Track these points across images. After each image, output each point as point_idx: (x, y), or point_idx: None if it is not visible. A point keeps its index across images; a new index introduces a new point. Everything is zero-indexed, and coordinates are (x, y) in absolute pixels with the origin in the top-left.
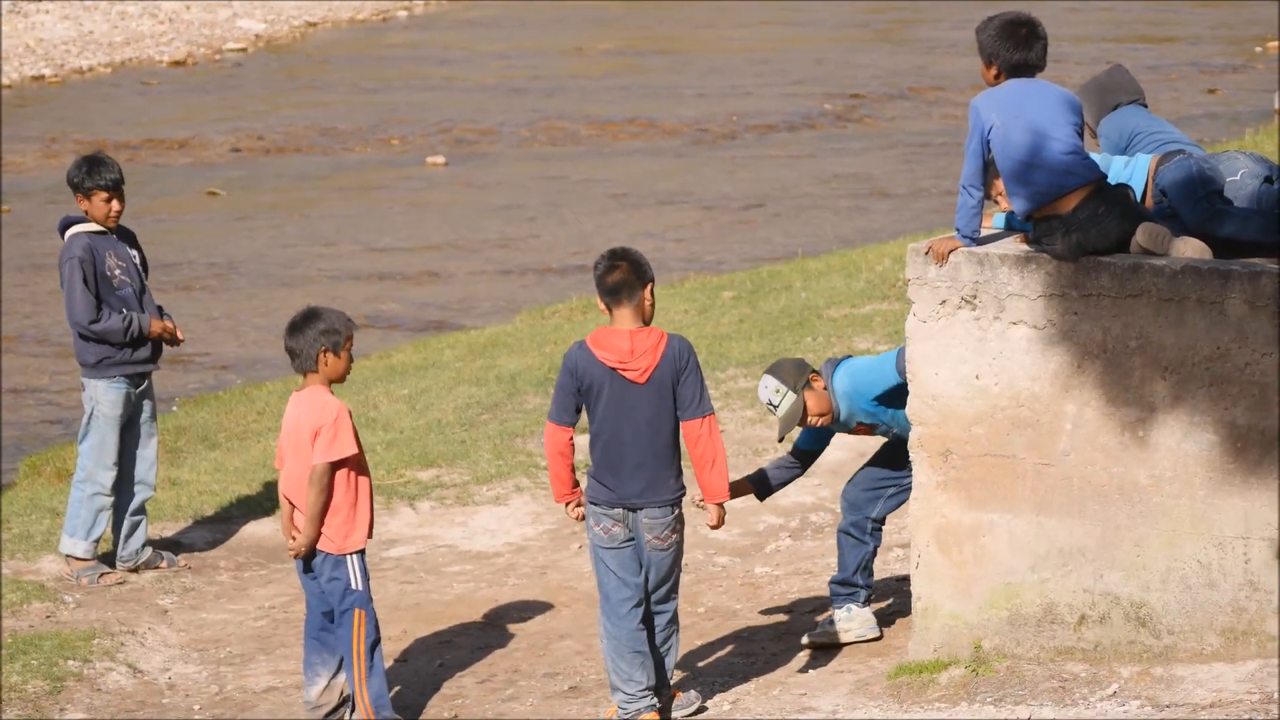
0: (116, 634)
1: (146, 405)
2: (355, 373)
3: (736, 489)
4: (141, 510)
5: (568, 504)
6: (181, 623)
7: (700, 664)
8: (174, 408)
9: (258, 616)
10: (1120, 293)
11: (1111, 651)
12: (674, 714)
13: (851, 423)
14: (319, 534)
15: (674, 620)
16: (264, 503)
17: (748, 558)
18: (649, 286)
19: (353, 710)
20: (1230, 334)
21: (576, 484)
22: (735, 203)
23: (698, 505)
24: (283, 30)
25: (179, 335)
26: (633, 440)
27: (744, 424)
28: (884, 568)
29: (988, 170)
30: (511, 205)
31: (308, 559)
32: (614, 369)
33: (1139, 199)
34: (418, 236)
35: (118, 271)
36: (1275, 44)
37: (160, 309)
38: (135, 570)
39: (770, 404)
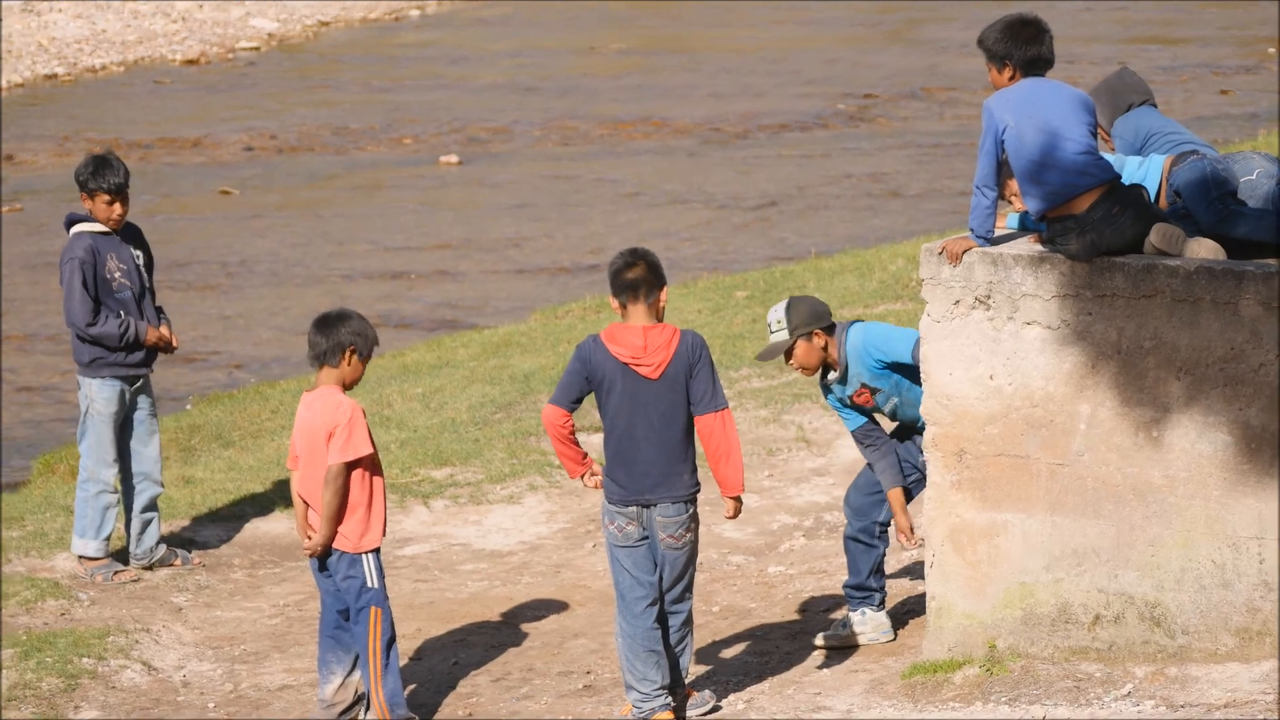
0: (131, 631)
1: (144, 402)
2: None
3: (899, 508)
4: (152, 507)
5: (583, 475)
6: (196, 620)
7: (715, 663)
8: (188, 406)
9: (272, 614)
10: (1134, 293)
11: (1126, 651)
12: (689, 713)
13: (854, 383)
14: (335, 533)
15: (689, 619)
16: (278, 501)
17: (762, 557)
18: (664, 289)
19: (367, 708)
20: (1244, 335)
21: (586, 454)
22: (748, 202)
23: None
24: (295, 29)
25: (174, 343)
26: (646, 436)
27: (758, 424)
28: (897, 567)
29: (1001, 170)
30: (524, 204)
31: (323, 557)
32: (627, 364)
33: (1153, 199)
34: (431, 235)
35: (118, 274)
36: None
37: (160, 310)
38: (150, 568)
39: (769, 327)
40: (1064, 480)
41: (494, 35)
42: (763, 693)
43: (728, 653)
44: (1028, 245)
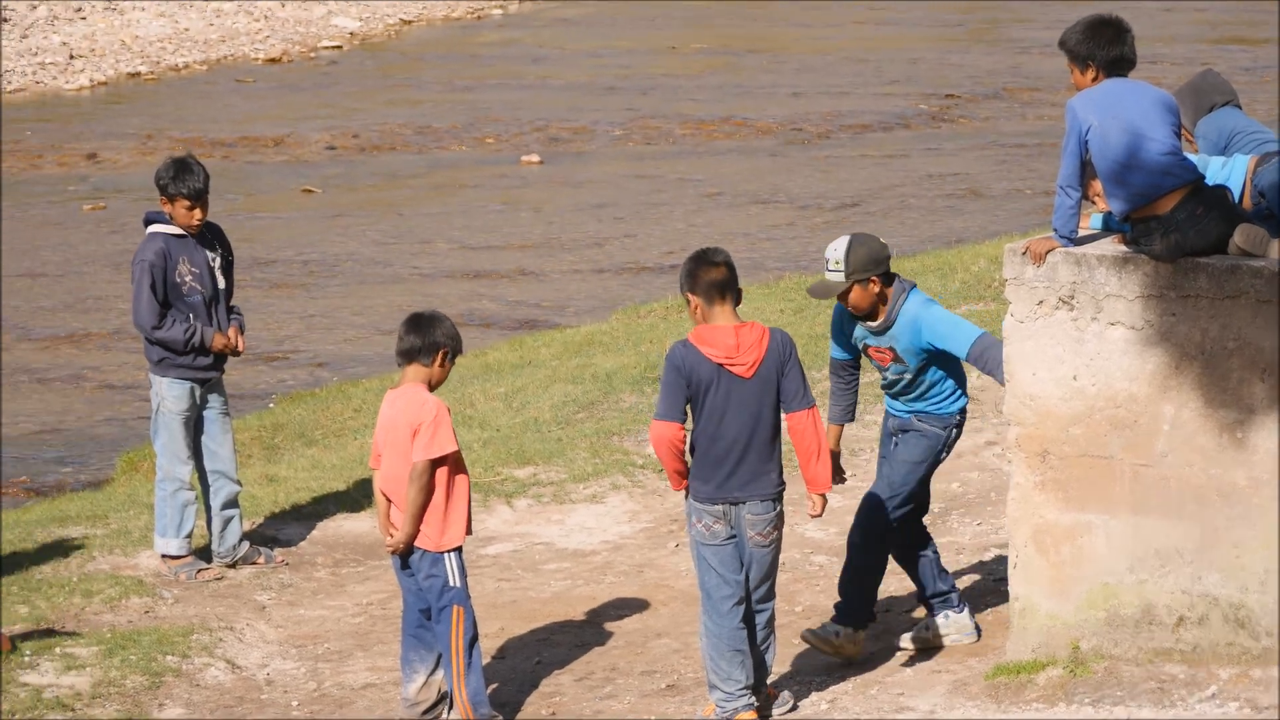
0: (215, 629)
1: (216, 400)
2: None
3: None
4: (233, 504)
5: (687, 491)
6: (279, 619)
7: (797, 663)
8: (270, 404)
9: (355, 613)
10: (1218, 294)
11: (1210, 653)
12: (772, 712)
13: (887, 342)
14: (417, 531)
15: (773, 618)
16: (361, 499)
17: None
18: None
19: (450, 707)
20: None
21: (687, 471)
22: (830, 202)
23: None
24: (377, 28)
25: (240, 348)
26: (737, 435)
27: None
28: (981, 567)
29: (1085, 171)
30: (606, 204)
31: (405, 556)
32: (721, 364)
33: (1237, 200)
34: (512, 235)
35: (189, 278)
36: None
37: (233, 311)
38: (233, 565)
39: (826, 263)
40: (1147, 481)
41: (575, 34)
42: (846, 693)
43: (811, 653)
44: (1111, 246)
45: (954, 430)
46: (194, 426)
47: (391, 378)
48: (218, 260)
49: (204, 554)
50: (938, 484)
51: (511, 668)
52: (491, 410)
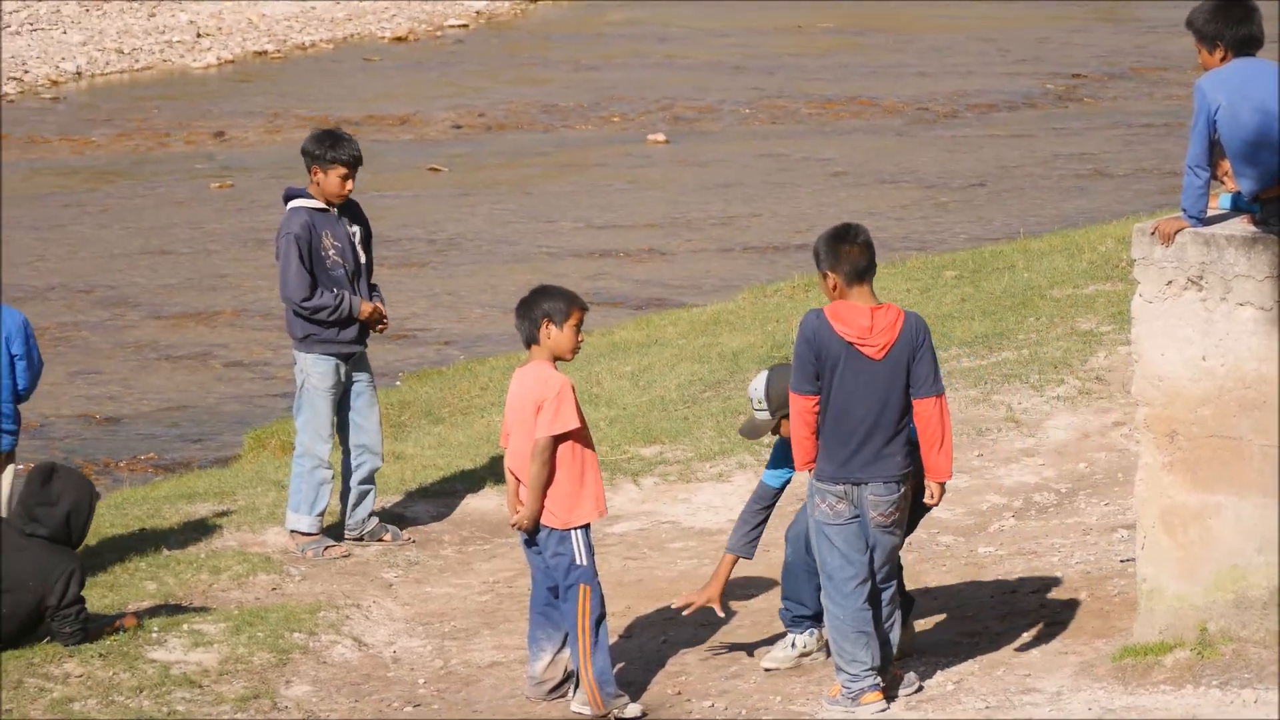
0: (342, 607)
1: (362, 376)
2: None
3: (720, 573)
4: (370, 480)
5: (810, 470)
6: (406, 596)
7: (923, 644)
8: (397, 383)
9: (482, 591)
10: None
11: None
12: (898, 693)
13: None
14: (541, 508)
15: (896, 599)
16: (487, 477)
17: (971, 537)
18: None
19: (576, 686)
20: None
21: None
22: (956, 182)
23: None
24: (504, 6)
25: (385, 322)
26: (863, 416)
27: (967, 404)
28: (1108, 548)
29: (1214, 151)
30: (732, 183)
31: (532, 534)
32: (851, 344)
33: None
34: (639, 214)
35: (332, 252)
36: None
37: (374, 288)
38: (360, 539)
39: (751, 401)
40: (1277, 462)
41: (701, 14)
42: (972, 673)
43: (936, 633)
44: (1241, 226)
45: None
46: (339, 403)
47: (519, 355)
48: (358, 234)
49: (333, 531)
50: (1064, 464)
51: (638, 646)
52: (618, 389)
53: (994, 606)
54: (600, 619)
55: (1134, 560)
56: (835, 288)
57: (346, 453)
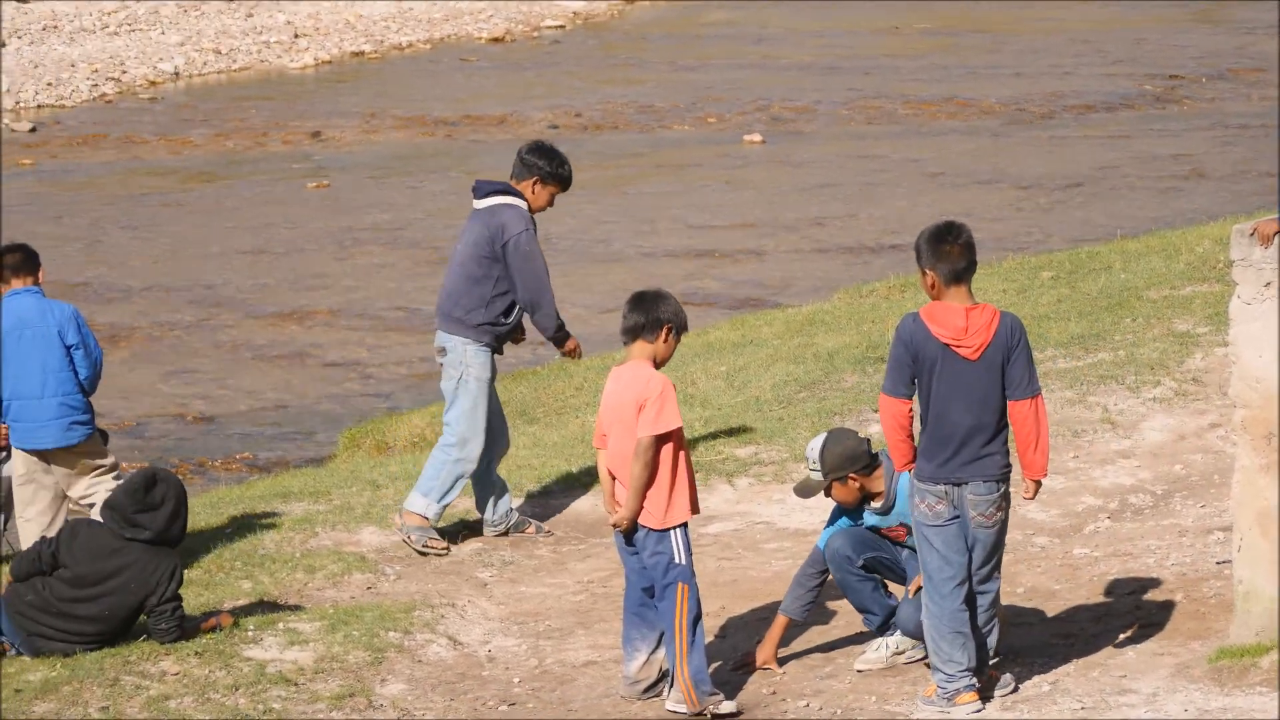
0: (437, 606)
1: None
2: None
3: (772, 635)
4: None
5: (910, 470)
6: (501, 595)
7: (1019, 644)
8: None
9: (576, 590)
10: None
11: None
12: (994, 694)
13: (895, 520)
14: (640, 507)
15: (996, 600)
16: (582, 477)
17: (1066, 539)
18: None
19: (672, 686)
20: None
21: (914, 458)
22: (1053, 183)
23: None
24: (601, 7)
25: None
26: (961, 417)
27: (1063, 405)
28: (1204, 550)
29: None
30: (828, 184)
31: (629, 534)
32: (947, 345)
33: None
34: (734, 214)
35: None
36: None
37: None
38: (505, 533)
39: (807, 463)
40: None
41: (798, 14)
42: (1068, 674)
43: (1032, 634)
44: None
45: None
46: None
47: (613, 357)
48: None
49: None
50: (1160, 466)
51: (733, 646)
52: (713, 389)
53: (1090, 608)
54: (697, 618)
55: (1230, 562)
56: (933, 286)
57: (488, 448)
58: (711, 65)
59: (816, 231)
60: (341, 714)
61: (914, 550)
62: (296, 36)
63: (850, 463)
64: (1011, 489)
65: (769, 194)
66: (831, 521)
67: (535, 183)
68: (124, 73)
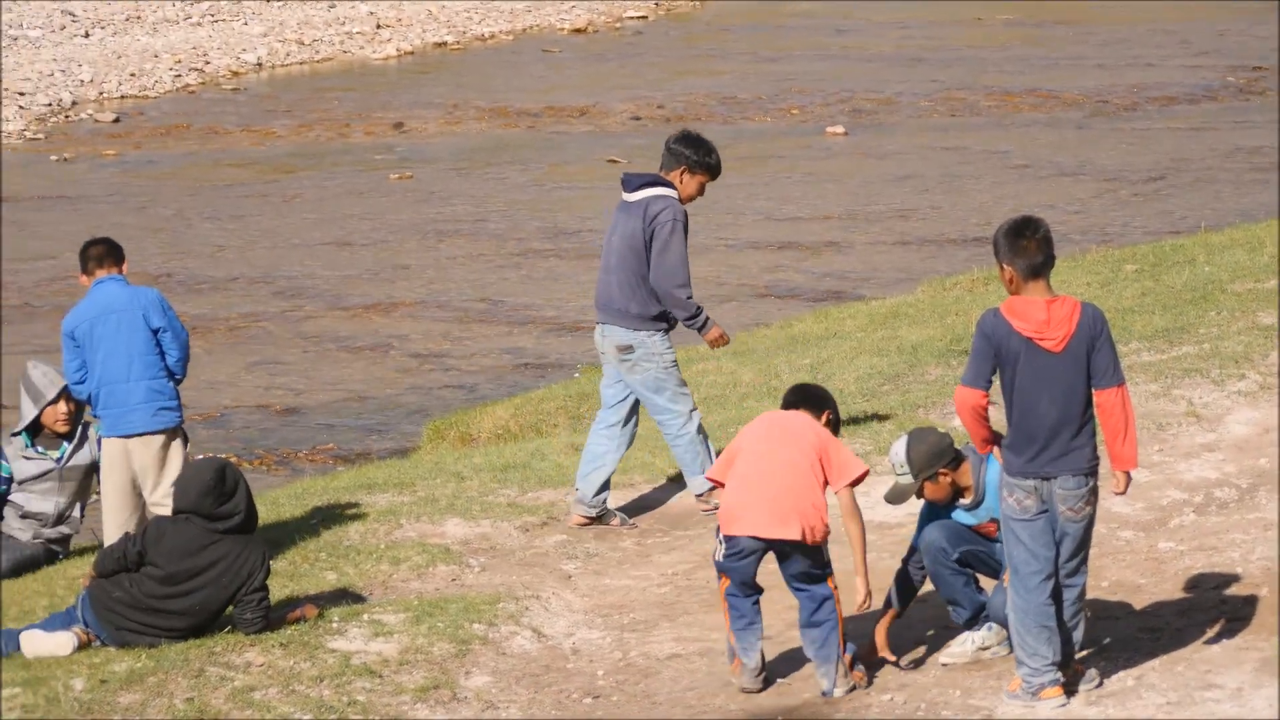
0: (521, 598)
1: None
2: (757, 341)
3: (880, 628)
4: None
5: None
6: (585, 588)
7: (1104, 639)
8: (576, 374)
9: (661, 583)
10: None
11: None
12: (1079, 688)
13: (985, 515)
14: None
15: (1083, 594)
16: (666, 469)
17: (1151, 532)
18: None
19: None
20: None
21: (994, 437)
22: (1136, 175)
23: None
24: None
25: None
26: (1048, 410)
27: (1147, 398)
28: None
29: None
30: (910, 175)
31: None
32: (1030, 338)
33: None
34: (817, 206)
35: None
36: None
37: None
38: (590, 521)
39: (893, 467)
40: None
41: (880, 6)
42: (1153, 669)
43: (1117, 629)
44: None
45: None
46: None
47: (697, 348)
48: None
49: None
50: (1245, 460)
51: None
52: (796, 381)
53: (1175, 602)
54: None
55: None
56: (1011, 280)
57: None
58: (794, 56)
59: (899, 224)
60: (426, 706)
61: None
62: (379, 27)
63: (938, 458)
64: (1099, 483)
65: (851, 186)
66: (924, 521)
67: (683, 171)
68: (207, 63)
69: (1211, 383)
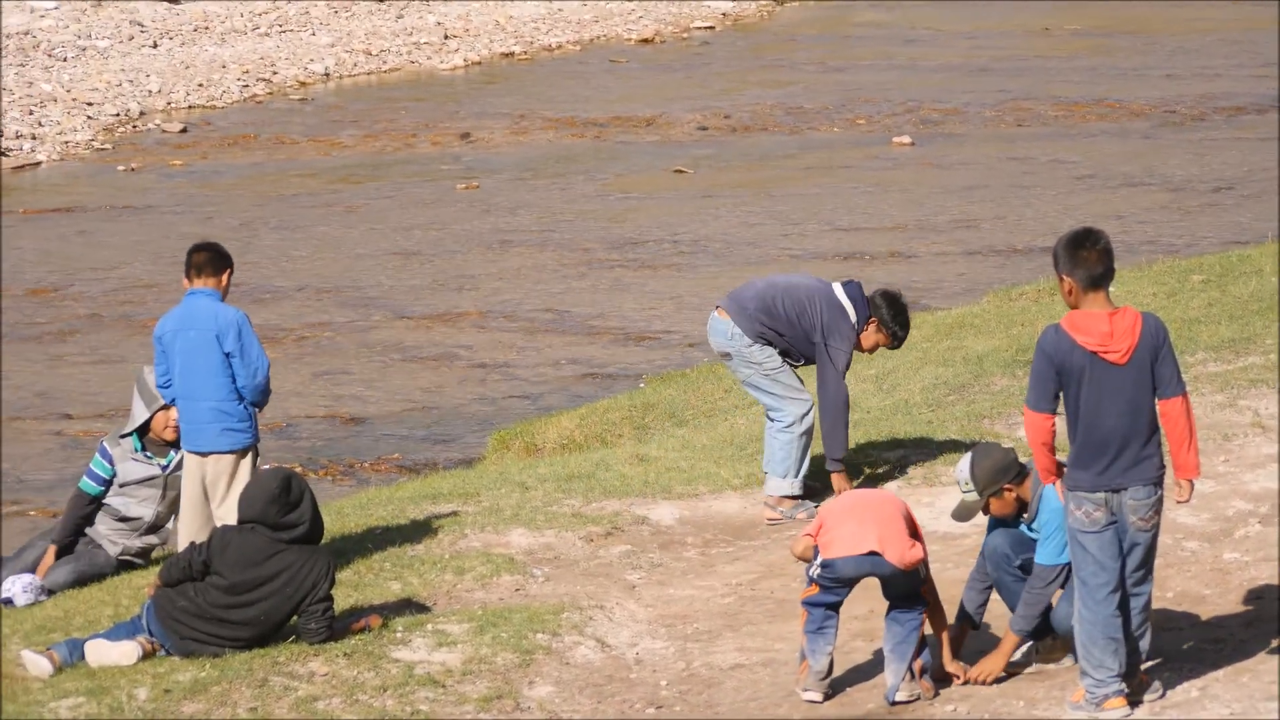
0: (585, 608)
1: None
2: None
3: (957, 637)
4: None
5: (1054, 481)
6: (649, 598)
7: (1168, 649)
8: (641, 384)
9: (724, 593)
10: None
11: None
12: (1143, 698)
13: (1036, 531)
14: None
15: (1149, 605)
16: (731, 480)
17: (1216, 543)
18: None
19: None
20: None
21: (1059, 465)
22: (1203, 185)
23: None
24: (750, 8)
25: None
26: (1116, 423)
27: (1213, 409)
28: None
29: None
30: (976, 185)
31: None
32: (1094, 352)
33: None
34: (883, 216)
35: None
36: None
37: None
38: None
39: (959, 484)
40: None
41: (948, 15)
42: (1217, 679)
43: (1181, 640)
44: None
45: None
46: None
47: None
48: None
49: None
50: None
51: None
52: (862, 392)
53: (1240, 614)
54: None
55: None
56: (1071, 292)
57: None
58: (861, 66)
59: (965, 234)
60: (489, 716)
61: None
62: (446, 38)
63: (1003, 475)
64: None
65: (917, 196)
66: (987, 548)
67: (873, 323)
68: (274, 73)
69: (1277, 393)
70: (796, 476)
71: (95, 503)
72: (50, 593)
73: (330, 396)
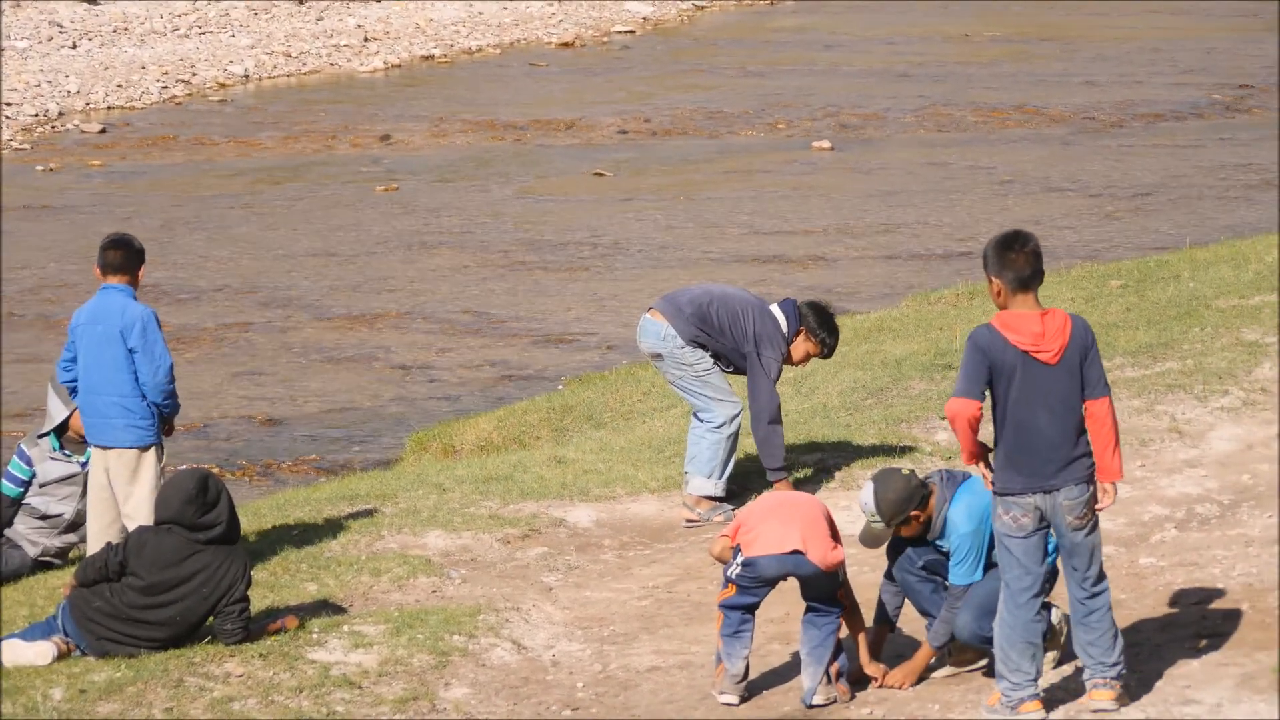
0: (501, 610)
1: None
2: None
3: (875, 639)
4: None
5: (976, 464)
6: (566, 600)
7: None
8: (559, 386)
9: (641, 596)
10: None
11: None
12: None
13: (945, 545)
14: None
15: (1110, 608)
16: (649, 482)
17: (1133, 548)
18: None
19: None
20: None
21: (984, 449)
22: (1122, 191)
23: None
24: (670, 13)
25: None
26: (1048, 423)
27: (1130, 414)
28: (1271, 561)
29: None
30: (896, 190)
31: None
32: (1026, 351)
33: None
34: (803, 220)
35: None
36: None
37: None
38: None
39: (864, 511)
40: None
41: (868, 21)
42: (1132, 684)
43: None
44: None
45: None
46: None
47: None
48: None
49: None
50: (1228, 476)
51: (794, 651)
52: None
53: (1155, 619)
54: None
55: None
56: (1000, 294)
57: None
58: (781, 71)
59: (885, 238)
60: (405, 717)
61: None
62: (366, 40)
63: (908, 504)
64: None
65: (837, 200)
66: (893, 548)
67: (802, 332)
68: (194, 75)
69: (1195, 399)
70: (720, 478)
71: (15, 505)
72: None
73: (248, 397)
